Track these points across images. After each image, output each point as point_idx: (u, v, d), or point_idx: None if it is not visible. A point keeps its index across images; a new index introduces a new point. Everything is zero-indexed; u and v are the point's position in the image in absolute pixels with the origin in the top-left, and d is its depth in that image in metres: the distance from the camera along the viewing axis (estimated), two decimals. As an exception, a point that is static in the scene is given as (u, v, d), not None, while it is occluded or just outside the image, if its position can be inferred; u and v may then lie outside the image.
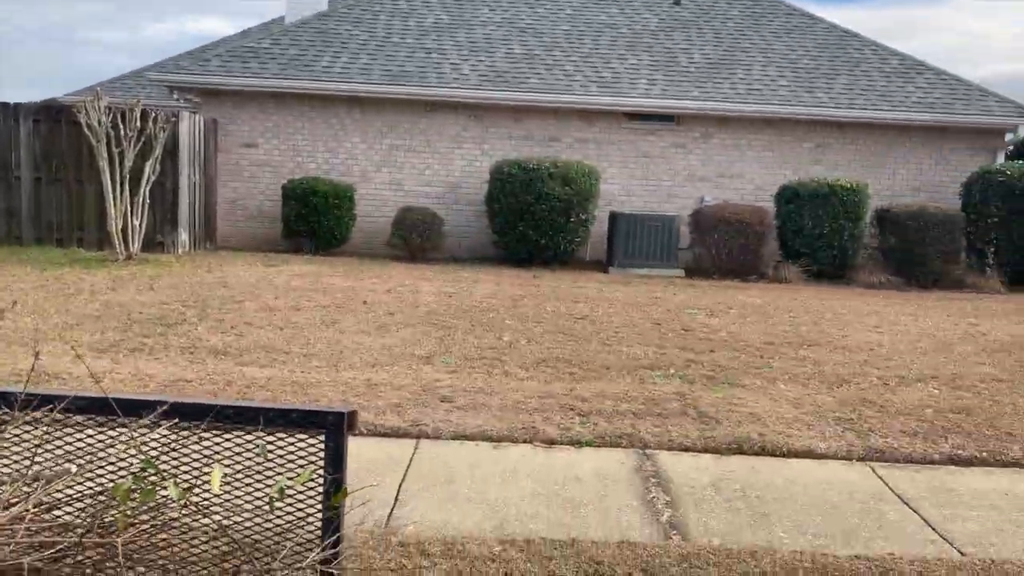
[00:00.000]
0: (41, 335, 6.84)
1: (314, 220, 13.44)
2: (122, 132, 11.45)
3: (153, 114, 11.77)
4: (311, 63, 14.74)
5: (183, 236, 12.88)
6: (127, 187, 11.63)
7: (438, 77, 14.68)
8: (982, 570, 3.48)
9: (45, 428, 2.13)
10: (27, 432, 2.26)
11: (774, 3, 17.70)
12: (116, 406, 2.09)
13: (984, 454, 4.90)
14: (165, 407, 2.05)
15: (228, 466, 2.23)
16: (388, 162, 14.83)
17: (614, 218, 13.56)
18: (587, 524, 3.79)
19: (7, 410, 2.08)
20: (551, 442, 4.87)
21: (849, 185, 13.23)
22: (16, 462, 2.27)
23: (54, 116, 12.51)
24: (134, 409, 2.10)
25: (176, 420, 2.07)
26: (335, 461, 2.18)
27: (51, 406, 2.01)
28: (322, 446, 2.25)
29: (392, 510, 3.85)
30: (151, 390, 5.41)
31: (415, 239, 13.55)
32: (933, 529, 3.91)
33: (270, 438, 2.30)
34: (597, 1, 17.39)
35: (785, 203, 13.49)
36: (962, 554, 3.65)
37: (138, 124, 11.52)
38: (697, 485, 4.34)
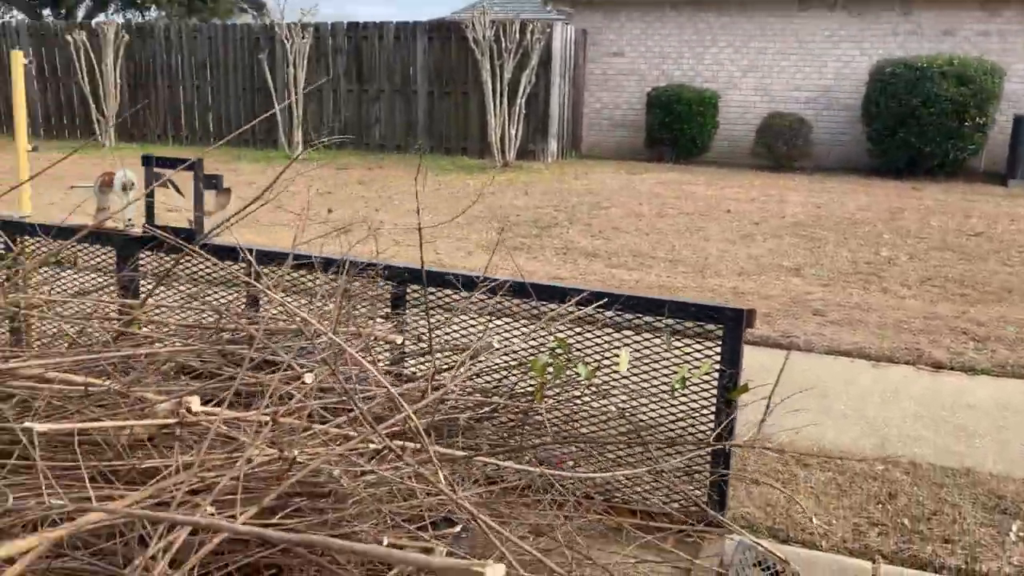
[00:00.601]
0: (437, 232, 7.68)
1: (677, 128, 13.39)
2: (503, 45, 12.22)
3: (531, 26, 12.38)
4: (679, -34, 14.44)
5: (552, 145, 13.56)
6: (505, 99, 12.47)
7: (814, -29, 13.61)
8: None
9: (488, 311, 2.41)
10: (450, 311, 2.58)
11: None
12: (533, 291, 2.30)
13: None
14: (585, 294, 2.21)
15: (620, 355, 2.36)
16: (755, 66, 14.21)
17: (1020, 122, 11.80)
18: (983, 455, 3.47)
19: (462, 291, 2.40)
20: (938, 366, 4.50)
21: None
22: (452, 334, 2.62)
23: (445, 33, 13.69)
24: (550, 295, 2.30)
25: (593, 305, 2.23)
26: (732, 357, 2.22)
27: (493, 286, 2.28)
28: (711, 344, 2.30)
29: (764, 417, 3.83)
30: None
31: (780, 147, 12.95)
32: None
33: (657, 334, 2.40)
34: None
35: None
36: None
37: (517, 37, 12.20)
38: (1125, 429, 3.76)
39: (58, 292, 3.00)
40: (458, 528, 1.92)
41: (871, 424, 3.77)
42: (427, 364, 2.46)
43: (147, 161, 3.12)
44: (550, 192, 10.23)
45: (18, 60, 3.43)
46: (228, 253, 2.93)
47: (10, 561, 1.13)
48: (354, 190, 10.43)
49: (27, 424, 1.32)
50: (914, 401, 4.05)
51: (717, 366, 2.24)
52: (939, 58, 11.81)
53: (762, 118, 13.40)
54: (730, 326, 2.20)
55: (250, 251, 2.99)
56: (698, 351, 2.30)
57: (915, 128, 11.75)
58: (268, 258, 2.74)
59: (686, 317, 2.25)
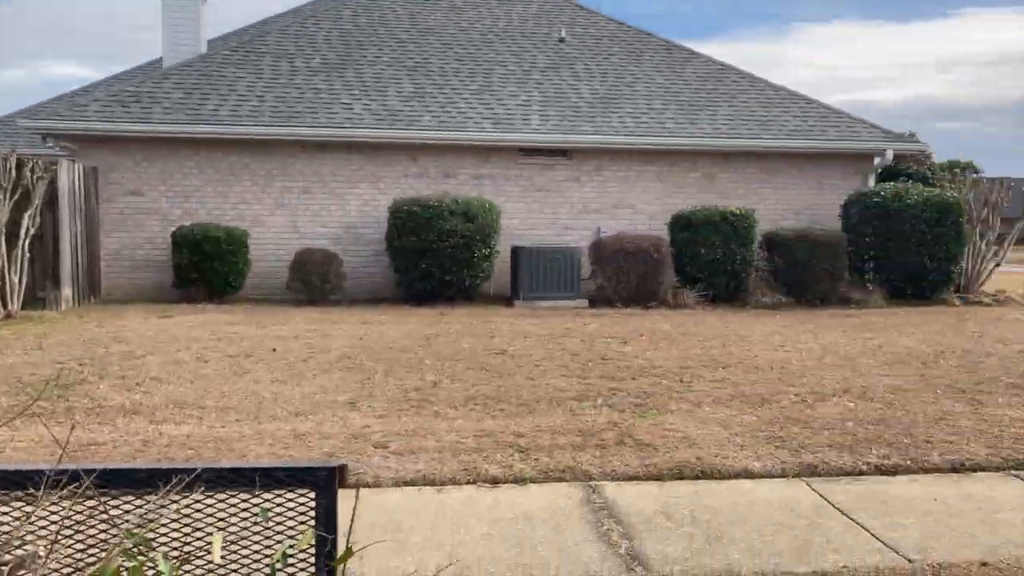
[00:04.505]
0: (-77, 405, 6.28)
1: (207, 267, 12.97)
2: (-3, 183, 10.78)
3: (30, 164, 11.12)
4: (197, 106, 14.31)
5: (66, 291, 12.17)
6: (3, 242, 10.93)
7: (329, 117, 14.50)
8: (934, 575, 3.62)
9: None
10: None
11: (651, 39, 18.39)
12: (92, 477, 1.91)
13: (908, 462, 5.13)
14: (142, 472, 1.89)
15: (211, 535, 2.07)
16: (282, 204, 14.49)
17: (516, 252, 13.65)
18: (548, 562, 3.73)
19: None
20: (495, 481, 4.80)
21: (738, 211, 13.77)
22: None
23: (-84, 169, 11.64)
24: (128, 481, 1.93)
25: (166, 490, 1.91)
26: (328, 519, 2.06)
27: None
28: (301, 503, 2.13)
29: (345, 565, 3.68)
30: (66, 459, 5.02)
31: (315, 282, 13.24)
32: (877, 539, 4.04)
33: (237, 500, 2.16)
34: (485, 40, 17.64)
35: (679, 231, 13.90)
36: (910, 560, 3.78)
37: (13, 174, 10.86)
38: (647, 513, 4.35)
39: None
40: None
41: (448, 552, 3.84)
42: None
43: None
44: (70, 343, 9.07)
45: None
46: None
47: None
48: None
49: None
50: (482, 521, 4.23)
51: (310, 526, 2.06)
52: (447, 197, 13.23)
53: (294, 254, 13.61)
54: (323, 486, 2.06)
55: None
56: (291, 517, 2.11)
57: (434, 260, 12.92)
58: None
59: (272, 484, 2.05)
